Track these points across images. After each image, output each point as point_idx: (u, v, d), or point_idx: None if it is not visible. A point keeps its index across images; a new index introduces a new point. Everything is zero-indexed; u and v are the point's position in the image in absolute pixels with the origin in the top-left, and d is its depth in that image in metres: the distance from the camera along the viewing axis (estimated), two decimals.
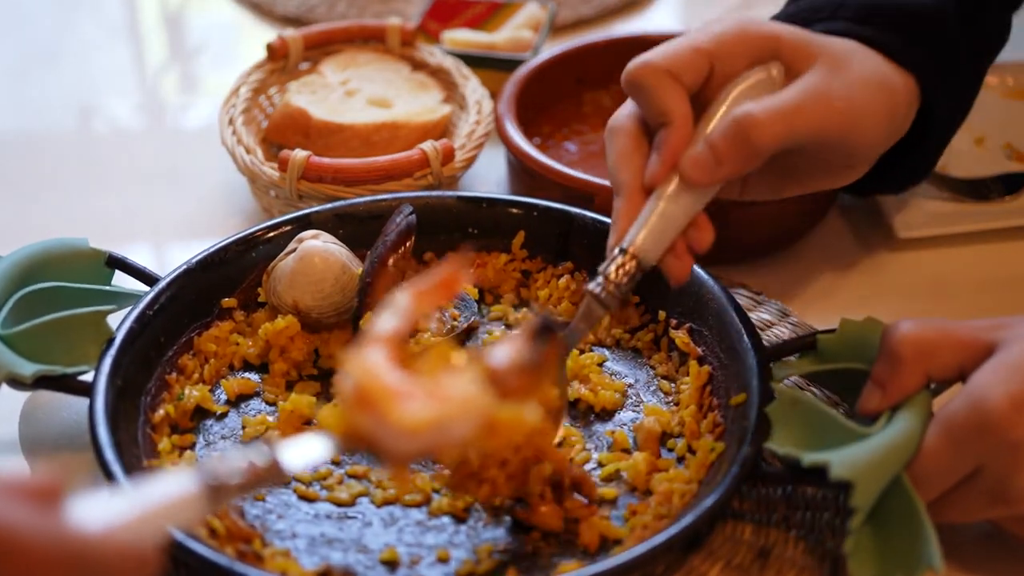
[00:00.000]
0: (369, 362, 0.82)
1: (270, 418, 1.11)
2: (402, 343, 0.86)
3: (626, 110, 1.06)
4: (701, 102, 1.04)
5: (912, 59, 1.08)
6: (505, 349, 0.89)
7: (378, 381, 0.81)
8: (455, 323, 1.17)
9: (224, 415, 1.12)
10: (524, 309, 1.21)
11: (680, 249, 1.03)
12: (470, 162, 1.36)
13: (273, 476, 0.81)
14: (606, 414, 1.12)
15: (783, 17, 1.13)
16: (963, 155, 1.38)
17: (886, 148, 1.09)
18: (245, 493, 0.82)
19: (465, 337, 1.18)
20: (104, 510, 0.73)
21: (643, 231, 1.01)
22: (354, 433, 0.83)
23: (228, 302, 1.17)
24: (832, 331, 1.07)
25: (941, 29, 1.10)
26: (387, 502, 1.04)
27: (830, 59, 1.04)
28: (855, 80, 1.04)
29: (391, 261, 1.13)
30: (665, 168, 1.02)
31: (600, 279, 1.02)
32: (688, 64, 1.03)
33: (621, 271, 1.02)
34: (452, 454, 0.85)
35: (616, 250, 1.02)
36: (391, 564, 0.99)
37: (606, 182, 1.27)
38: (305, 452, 0.83)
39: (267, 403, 1.13)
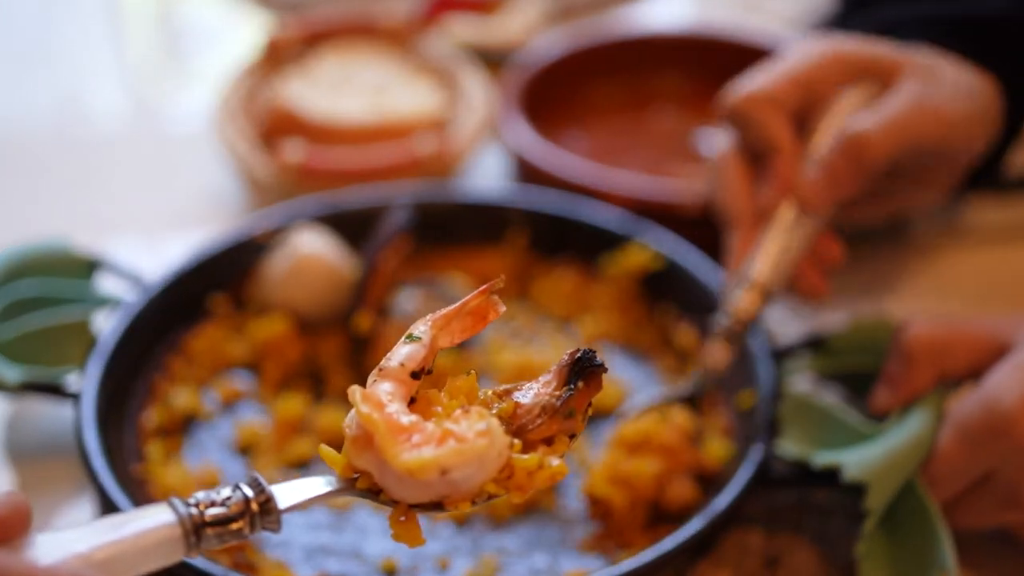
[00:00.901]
0: (373, 397, 0.73)
1: (262, 422, 1.08)
2: (418, 377, 0.76)
3: (726, 143, 1.09)
4: (800, 126, 1.07)
5: (994, 61, 1.09)
6: (534, 387, 0.78)
7: (380, 417, 0.72)
8: None
9: (215, 419, 1.09)
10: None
11: (811, 270, 1.06)
12: (469, 156, 1.33)
13: (265, 517, 0.72)
14: (605, 413, 1.09)
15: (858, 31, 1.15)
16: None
17: (980, 152, 1.10)
18: (233, 535, 0.72)
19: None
20: (67, 544, 0.67)
21: (767, 262, 1.03)
22: (356, 474, 0.75)
23: (218, 302, 1.14)
24: (844, 330, 1.06)
25: (1015, 30, 1.12)
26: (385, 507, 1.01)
27: (919, 69, 1.06)
28: (948, 87, 1.06)
29: (386, 260, 1.11)
30: (779, 194, 1.04)
31: (728, 315, 1.02)
32: (788, 93, 1.06)
33: (749, 304, 1.02)
34: (465, 503, 0.74)
35: (740, 283, 1.03)
36: (389, 573, 0.96)
37: (607, 179, 1.26)
38: (302, 490, 0.74)
39: (259, 405, 1.10)
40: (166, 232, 1.33)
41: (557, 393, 0.76)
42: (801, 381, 1.08)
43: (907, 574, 0.91)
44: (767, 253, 1.03)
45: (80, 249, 1.14)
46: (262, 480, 0.73)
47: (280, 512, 0.73)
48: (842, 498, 0.99)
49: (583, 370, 0.76)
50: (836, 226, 1.13)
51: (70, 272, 1.13)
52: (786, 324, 1.17)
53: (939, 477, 0.93)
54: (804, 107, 1.06)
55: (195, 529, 0.70)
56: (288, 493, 0.74)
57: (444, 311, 0.78)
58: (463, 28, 1.54)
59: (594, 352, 0.76)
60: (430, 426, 0.73)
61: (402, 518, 0.73)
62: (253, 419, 1.08)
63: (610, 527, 0.99)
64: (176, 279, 1.12)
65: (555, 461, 0.74)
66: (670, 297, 1.15)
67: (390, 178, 1.28)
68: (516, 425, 0.75)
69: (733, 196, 1.07)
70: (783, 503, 1.00)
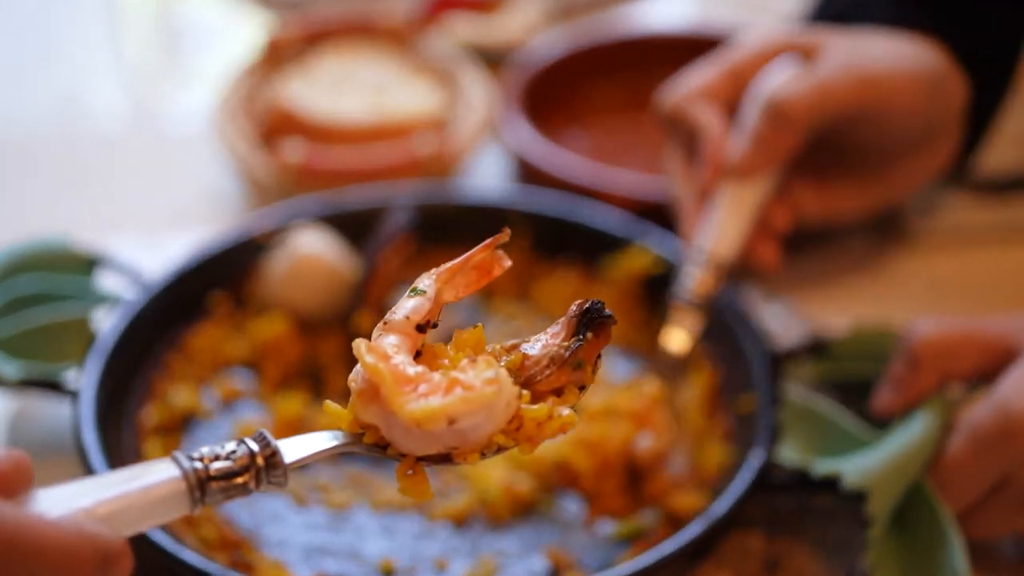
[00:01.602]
0: (379, 348, 0.72)
1: (261, 422, 1.08)
2: (423, 331, 0.74)
3: (669, 143, 1.15)
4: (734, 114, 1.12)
5: (936, 23, 1.12)
6: (542, 339, 0.76)
7: (385, 368, 0.71)
8: None
9: (214, 418, 1.09)
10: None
11: (762, 241, 1.10)
12: (469, 156, 1.33)
13: (271, 471, 0.71)
14: None
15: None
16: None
17: (943, 117, 1.12)
18: (238, 490, 0.70)
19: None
20: (70, 499, 0.65)
21: (714, 233, 1.07)
22: (361, 427, 0.73)
23: (218, 301, 1.14)
24: (845, 336, 1.05)
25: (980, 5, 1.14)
26: (384, 507, 1.01)
27: (843, 42, 1.10)
28: (878, 54, 1.09)
29: (387, 260, 1.11)
30: (710, 167, 1.08)
31: (684, 286, 1.06)
32: (718, 84, 1.12)
33: (702, 275, 1.06)
34: (474, 455, 0.72)
35: (691, 256, 1.07)
36: (387, 573, 0.96)
37: (607, 179, 1.25)
38: (308, 445, 0.73)
39: (259, 405, 1.10)
40: (166, 232, 1.33)
41: (566, 344, 0.74)
42: (801, 386, 1.07)
43: None
44: (712, 226, 1.08)
45: (80, 246, 1.14)
46: (267, 434, 0.71)
47: (286, 466, 0.71)
48: (843, 502, 0.98)
49: (592, 321, 0.74)
50: (830, 225, 1.16)
51: (70, 269, 1.13)
52: (787, 329, 1.16)
53: (953, 484, 0.92)
54: (736, 96, 1.11)
55: (200, 484, 0.68)
56: (294, 447, 0.72)
57: (449, 264, 0.76)
58: (463, 28, 1.53)
59: (603, 303, 0.75)
60: (437, 376, 0.71)
61: (410, 472, 0.72)
62: (252, 418, 1.08)
63: (584, 494, 1.00)
64: (176, 278, 1.12)
65: (565, 411, 0.72)
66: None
67: (390, 178, 1.28)
68: (524, 376, 0.74)
69: (676, 183, 1.13)
70: (784, 506, 1.00)
